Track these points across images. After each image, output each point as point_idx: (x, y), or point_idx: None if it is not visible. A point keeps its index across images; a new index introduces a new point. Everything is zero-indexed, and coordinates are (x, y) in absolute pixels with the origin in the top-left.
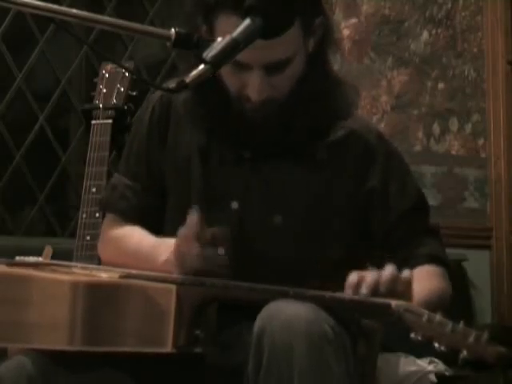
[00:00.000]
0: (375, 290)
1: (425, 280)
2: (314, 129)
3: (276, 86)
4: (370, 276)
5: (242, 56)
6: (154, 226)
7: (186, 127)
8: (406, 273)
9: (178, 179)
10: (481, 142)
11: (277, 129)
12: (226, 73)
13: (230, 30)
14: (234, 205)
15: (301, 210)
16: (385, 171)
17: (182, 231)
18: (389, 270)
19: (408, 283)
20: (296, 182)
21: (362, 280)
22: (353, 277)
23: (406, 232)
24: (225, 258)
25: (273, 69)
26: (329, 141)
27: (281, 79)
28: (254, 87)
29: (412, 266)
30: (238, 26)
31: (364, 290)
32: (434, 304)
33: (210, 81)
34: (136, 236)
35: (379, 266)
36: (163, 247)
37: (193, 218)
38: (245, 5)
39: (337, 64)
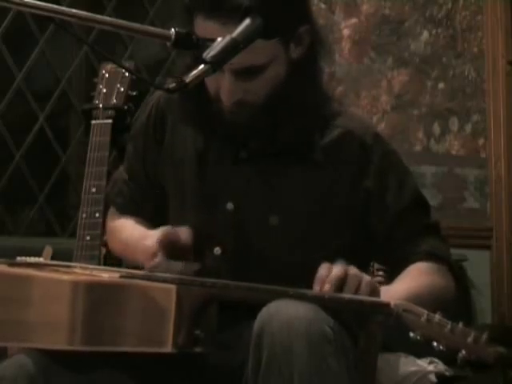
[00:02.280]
0: (339, 286)
1: (410, 278)
2: (301, 130)
3: (249, 91)
4: (335, 270)
5: None
6: (150, 219)
7: (183, 128)
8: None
9: (175, 179)
10: (481, 141)
11: (261, 130)
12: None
13: (207, 33)
14: (230, 206)
15: (297, 211)
16: (381, 171)
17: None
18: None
19: (373, 286)
20: (293, 183)
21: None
22: (321, 271)
23: (404, 231)
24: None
25: (244, 74)
26: (325, 141)
27: (254, 84)
28: (224, 90)
29: (407, 265)
30: (213, 30)
31: (327, 286)
32: (417, 301)
33: (198, 84)
34: (127, 228)
35: (381, 265)
36: (148, 239)
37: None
38: (228, 5)
39: (337, 64)
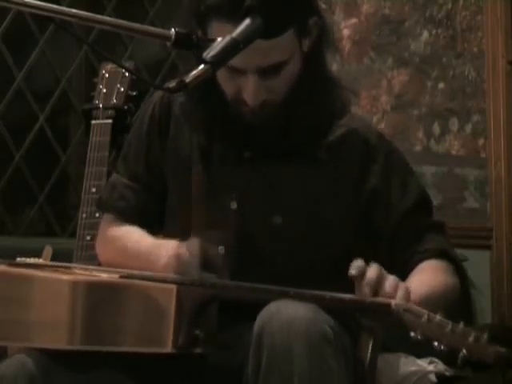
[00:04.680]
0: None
1: (427, 274)
2: (312, 129)
3: (272, 89)
4: (370, 273)
5: (235, 61)
6: (153, 225)
7: (186, 128)
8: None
9: (178, 179)
10: (481, 141)
11: (276, 130)
12: (222, 78)
13: (224, 36)
14: (233, 205)
15: (301, 211)
16: (385, 170)
17: (189, 243)
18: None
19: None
20: (296, 183)
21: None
22: (372, 273)
23: (410, 230)
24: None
25: (267, 72)
26: (329, 140)
27: (277, 82)
28: (249, 92)
29: (417, 262)
30: (231, 33)
31: (365, 289)
32: (435, 299)
33: (207, 85)
34: (135, 236)
35: (384, 265)
36: (162, 249)
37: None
38: (244, 6)
39: (336, 64)
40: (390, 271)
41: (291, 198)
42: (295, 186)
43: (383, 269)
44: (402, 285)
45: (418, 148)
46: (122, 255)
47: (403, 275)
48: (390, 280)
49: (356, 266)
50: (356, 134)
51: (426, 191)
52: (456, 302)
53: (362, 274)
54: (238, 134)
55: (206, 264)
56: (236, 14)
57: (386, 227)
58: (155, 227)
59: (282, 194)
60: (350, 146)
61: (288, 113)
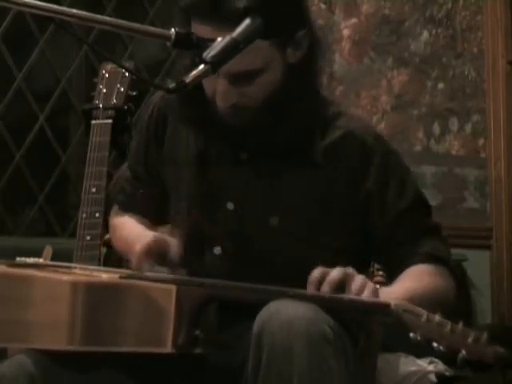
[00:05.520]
0: (337, 288)
1: (409, 280)
2: (302, 130)
3: (245, 94)
4: (333, 273)
5: None
6: (152, 216)
7: (183, 128)
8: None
9: (175, 179)
10: (481, 142)
11: (264, 132)
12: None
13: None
14: (230, 205)
15: (298, 212)
16: (382, 172)
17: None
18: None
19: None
20: (293, 184)
21: (324, 276)
22: (315, 273)
23: (405, 232)
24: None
25: (239, 79)
26: (326, 142)
27: (250, 89)
28: (218, 94)
29: (407, 266)
30: (209, 34)
31: (326, 287)
32: (418, 303)
33: (201, 86)
34: (127, 225)
35: (380, 265)
36: (139, 240)
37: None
38: (223, 8)
39: (337, 64)
40: (386, 272)
41: (288, 198)
42: (292, 187)
43: (353, 269)
44: (370, 285)
45: (418, 148)
46: (118, 242)
47: (397, 276)
48: (358, 280)
49: (317, 271)
50: (353, 135)
51: (423, 193)
52: (449, 305)
53: (324, 276)
54: (233, 135)
55: (167, 258)
56: (213, 16)
57: (381, 228)
58: (156, 217)
59: (279, 195)
60: (347, 147)
61: (267, 117)
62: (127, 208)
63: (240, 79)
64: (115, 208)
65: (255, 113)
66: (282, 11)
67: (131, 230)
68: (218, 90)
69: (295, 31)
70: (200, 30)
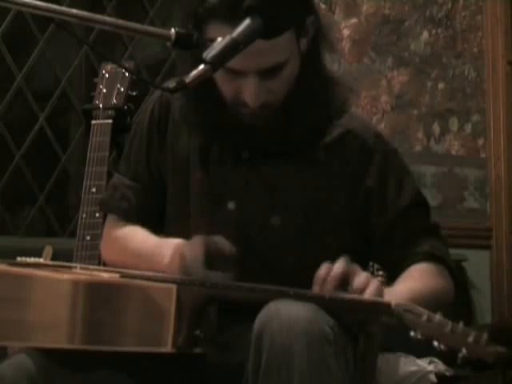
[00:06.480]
0: (340, 284)
1: (412, 279)
2: (311, 129)
3: (272, 90)
4: (336, 267)
5: (235, 63)
6: (154, 225)
7: (185, 128)
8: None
9: (177, 179)
10: (481, 141)
11: (275, 131)
12: (221, 80)
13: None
14: (231, 205)
15: (299, 211)
16: (382, 171)
17: (192, 242)
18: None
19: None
20: (294, 183)
21: (327, 274)
22: (321, 272)
23: (404, 231)
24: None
25: (268, 73)
26: (326, 141)
27: (277, 83)
28: (250, 93)
29: (407, 265)
30: (228, 34)
31: (329, 284)
32: (422, 303)
33: (205, 88)
34: (138, 236)
35: (380, 265)
36: (165, 248)
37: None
38: (243, 6)
39: (337, 64)
40: (386, 271)
41: (289, 198)
42: (293, 186)
43: (356, 265)
44: (374, 282)
45: (418, 148)
46: (126, 255)
47: (397, 276)
48: (361, 276)
49: (323, 269)
50: (354, 134)
51: (422, 193)
52: (448, 305)
53: (328, 273)
54: (235, 134)
55: (210, 263)
56: (234, 15)
57: (381, 227)
58: (157, 227)
59: (280, 195)
60: (347, 146)
61: (287, 114)
62: (131, 216)
63: (269, 74)
64: (113, 218)
65: (278, 110)
66: None
67: (146, 239)
68: (249, 89)
69: (306, 18)
70: (220, 30)
